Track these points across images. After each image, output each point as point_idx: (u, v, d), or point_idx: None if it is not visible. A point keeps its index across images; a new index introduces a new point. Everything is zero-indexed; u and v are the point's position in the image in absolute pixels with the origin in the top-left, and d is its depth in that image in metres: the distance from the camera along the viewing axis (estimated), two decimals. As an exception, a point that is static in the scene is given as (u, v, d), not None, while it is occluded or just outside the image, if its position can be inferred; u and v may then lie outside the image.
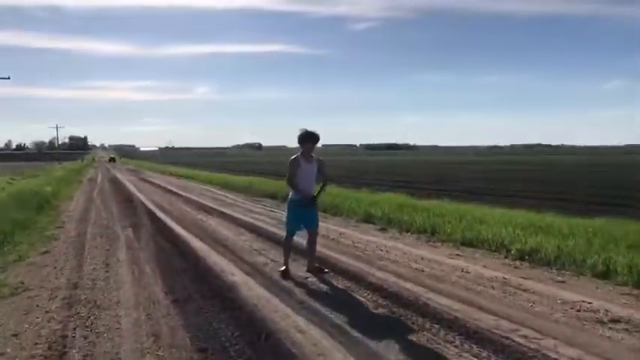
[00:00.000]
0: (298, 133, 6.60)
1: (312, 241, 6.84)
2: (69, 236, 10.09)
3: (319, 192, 6.88)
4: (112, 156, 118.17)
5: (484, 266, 7.16)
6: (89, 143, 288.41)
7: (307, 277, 6.44)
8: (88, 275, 6.81)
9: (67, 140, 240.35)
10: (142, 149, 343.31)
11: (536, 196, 22.15)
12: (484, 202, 16.80)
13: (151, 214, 13.53)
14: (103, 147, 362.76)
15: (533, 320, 4.79)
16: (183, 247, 8.79)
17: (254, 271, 6.86)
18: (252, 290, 5.87)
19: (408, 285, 6.00)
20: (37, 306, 5.45)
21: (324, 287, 6.02)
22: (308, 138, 6.57)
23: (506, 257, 7.79)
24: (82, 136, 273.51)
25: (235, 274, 6.66)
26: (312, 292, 5.81)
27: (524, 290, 5.83)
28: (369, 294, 5.65)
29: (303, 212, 6.66)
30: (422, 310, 5.07)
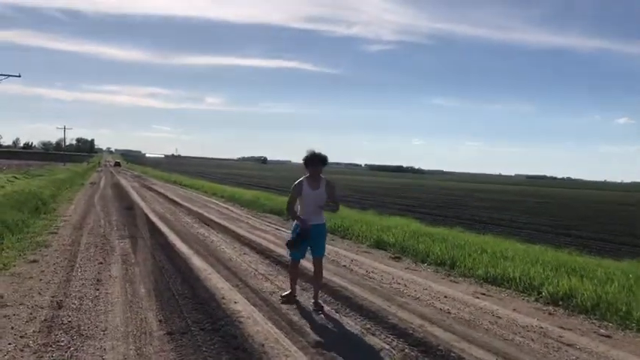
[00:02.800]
0: (305, 154, 5.90)
1: (316, 271, 6.12)
2: (61, 244, 9.41)
3: (332, 209, 6.20)
4: (118, 160, 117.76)
5: (514, 310, 6.43)
6: (96, 146, 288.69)
7: (320, 313, 5.71)
8: (76, 293, 6.10)
9: (74, 142, 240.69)
10: (148, 155, 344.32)
11: (546, 229, 21.51)
12: (493, 232, 16.14)
13: (152, 225, 12.84)
14: (109, 151, 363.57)
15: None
16: (183, 265, 8.08)
17: (260, 300, 6.14)
18: (258, 325, 5.15)
19: (436, 330, 5.26)
20: (12, 328, 4.75)
21: (341, 326, 5.28)
22: (315, 160, 5.86)
23: (537, 300, 7.06)
24: (90, 138, 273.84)
25: (239, 303, 5.94)
26: (328, 333, 5.08)
27: (569, 345, 5.09)
28: (392, 339, 4.92)
29: (309, 237, 5.94)
30: (457, 366, 4.34)
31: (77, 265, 7.63)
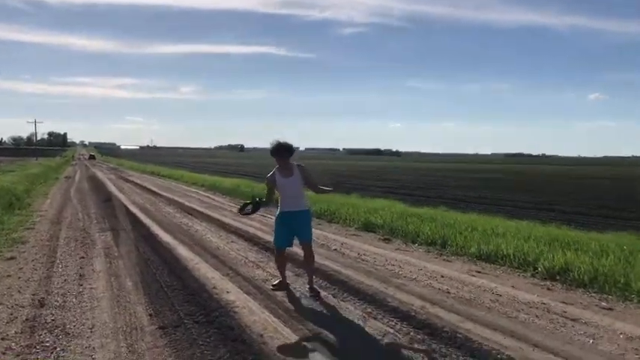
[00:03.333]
0: (270, 144, 5.76)
1: (307, 255, 5.92)
2: (39, 240, 9.02)
3: (321, 191, 6.19)
4: (92, 153, 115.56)
5: (513, 287, 6.31)
6: (69, 140, 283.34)
7: (317, 299, 5.49)
8: (58, 289, 5.79)
9: (45, 136, 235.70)
10: (122, 147, 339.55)
11: (527, 206, 21.66)
12: (477, 210, 16.11)
13: (132, 217, 12.47)
14: (82, 144, 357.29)
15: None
16: (169, 256, 7.79)
17: (253, 288, 5.90)
18: (254, 314, 4.92)
19: (439, 311, 5.10)
20: (-8, 330, 4.45)
21: (342, 312, 5.07)
22: (280, 150, 5.72)
23: (533, 276, 6.96)
24: (62, 132, 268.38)
25: (232, 292, 5.69)
26: (329, 319, 4.88)
27: (574, 320, 4.97)
28: (396, 323, 4.73)
29: (291, 225, 5.76)
30: (467, 347, 4.17)
31: (57, 261, 7.29)
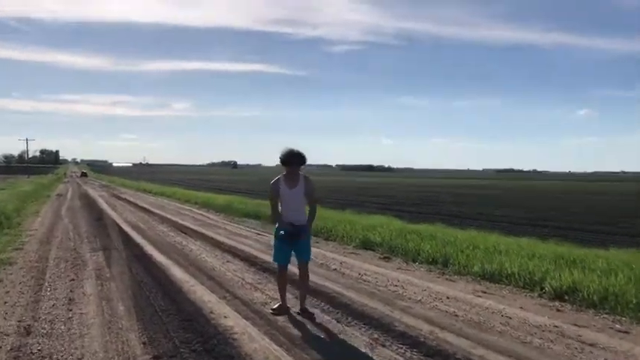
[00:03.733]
0: (281, 152, 5.46)
1: (302, 274, 5.68)
2: (28, 261, 8.70)
3: (309, 221, 5.68)
4: (84, 171, 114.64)
5: (521, 308, 6.08)
6: (61, 157, 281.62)
7: (321, 323, 5.23)
8: (46, 315, 5.49)
9: (37, 154, 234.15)
10: (115, 165, 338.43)
11: (522, 222, 21.53)
12: (473, 226, 15.89)
13: (125, 236, 12.15)
14: (75, 162, 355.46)
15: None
16: (163, 277, 7.50)
17: (252, 312, 5.62)
18: (254, 342, 4.64)
19: (449, 336, 4.85)
20: (-26, 362, 4.15)
21: (347, 339, 4.79)
22: (291, 159, 5.42)
23: (540, 296, 6.73)
24: (54, 149, 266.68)
25: (230, 317, 5.42)
26: (334, 347, 4.60)
27: (591, 345, 4.73)
28: (406, 350, 4.47)
29: (290, 243, 5.52)
30: (482, 377, 3.92)
31: (46, 284, 6.98)
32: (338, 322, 5.28)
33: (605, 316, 5.84)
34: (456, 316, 5.63)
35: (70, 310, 5.68)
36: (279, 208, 5.61)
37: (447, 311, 5.80)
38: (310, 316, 5.38)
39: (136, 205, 23.18)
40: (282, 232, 5.50)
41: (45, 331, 4.93)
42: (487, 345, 4.63)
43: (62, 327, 5.09)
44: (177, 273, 7.77)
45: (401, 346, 4.56)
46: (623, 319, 5.71)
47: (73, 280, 7.28)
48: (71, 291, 6.60)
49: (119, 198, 29.25)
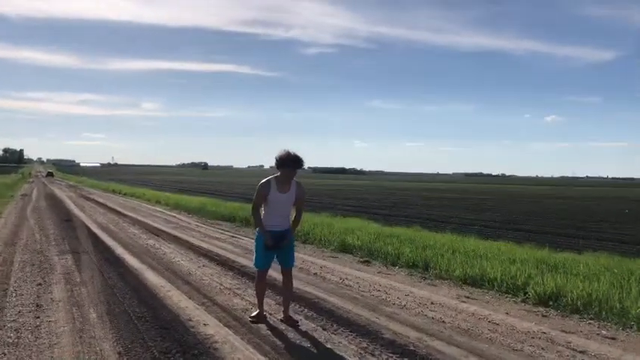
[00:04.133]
0: (278, 154, 5.16)
1: (286, 281, 5.44)
2: (-9, 264, 8.26)
3: (293, 225, 5.46)
4: (50, 171, 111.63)
5: (507, 314, 5.99)
6: (25, 157, 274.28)
7: (306, 331, 5.02)
8: (11, 323, 5.14)
9: (0, 152, 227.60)
10: (82, 165, 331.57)
11: (495, 225, 21.72)
12: (447, 230, 15.85)
13: (95, 238, 11.72)
14: (40, 161, 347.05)
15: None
16: (137, 282, 7.18)
17: (233, 320, 5.38)
18: (237, 352, 4.40)
19: (438, 344, 4.70)
20: None
21: (334, 348, 4.58)
22: (290, 162, 5.13)
23: (524, 302, 6.67)
24: (18, 149, 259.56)
25: (210, 325, 5.16)
26: (322, 357, 4.40)
27: (582, 352, 4.64)
28: (396, 359, 4.30)
29: (276, 245, 5.29)
30: (478, 388, 3.77)
31: (11, 289, 6.60)
32: (324, 329, 5.08)
33: (590, 321, 5.79)
34: (443, 322, 5.49)
35: (38, 318, 5.35)
36: (262, 211, 5.37)
37: (433, 317, 5.67)
38: (294, 324, 5.17)
39: (105, 206, 22.56)
40: (267, 240, 5.22)
41: (10, 341, 4.60)
42: (479, 353, 4.49)
43: (29, 336, 4.76)
44: (152, 277, 7.46)
45: (391, 355, 4.38)
46: (608, 324, 5.67)
47: (40, 284, 6.91)
48: (38, 296, 6.25)
49: (87, 199, 28.48)
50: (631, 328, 5.50)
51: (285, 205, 5.29)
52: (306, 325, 5.20)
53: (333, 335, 4.90)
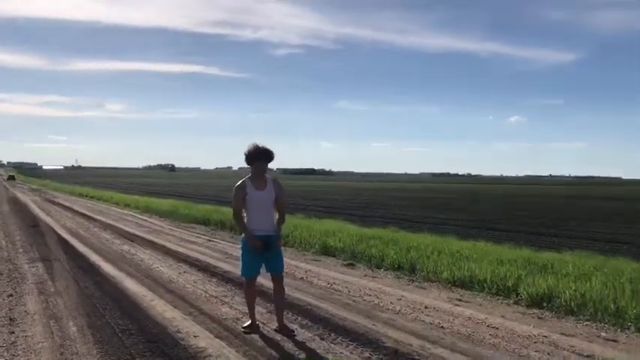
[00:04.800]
0: (247, 148, 4.93)
1: (277, 289, 5.15)
2: (-44, 275, 7.75)
3: (278, 228, 5.17)
4: (12, 174, 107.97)
5: (503, 317, 5.87)
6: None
7: (304, 342, 4.77)
8: (-16, 340, 4.76)
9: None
10: (45, 167, 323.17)
11: (469, 225, 21.89)
12: (424, 230, 15.81)
13: (65, 244, 11.22)
14: (0, 164, 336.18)
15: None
16: (116, 291, 6.82)
17: (224, 330, 5.09)
18: (235, 366, 4.14)
19: (443, 352, 4.52)
20: None
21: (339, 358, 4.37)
22: (259, 156, 4.90)
23: (517, 303, 6.58)
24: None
25: (200, 337, 4.87)
26: (322, 368, 4.17)
27: (588, 357, 4.54)
28: (404, 370, 4.10)
29: (262, 255, 5.02)
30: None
31: (-20, 301, 6.16)
32: (321, 339, 4.84)
33: (587, 323, 5.72)
34: (442, 327, 5.33)
35: (13, 333, 4.96)
36: (245, 217, 5.09)
37: (431, 323, 5.50)
38: (290, 333, 4.92)
39: (73, 211, 21.82)
40: (255, 242, 4.94)
41: (-16, 361, 4.23)
42: (486, 361, 4.34)
43: (5, 354, 4.39)
44: (132, 286, 7.10)
45: (398, 365, 4.18)
46: (606, 326, 5.60)
47: (11, 295, 6.48)
48: (10, 309, 5.84)
49: (53, 203, 27.55)
50: (629, 329, 5.45)
51: (266, 205, 5.01)
52: (302, 334, 4.96)
53: (332, 345, 4.67)
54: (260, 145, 4.92)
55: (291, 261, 9.41)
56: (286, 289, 6.61)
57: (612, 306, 5.90)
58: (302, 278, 7.83)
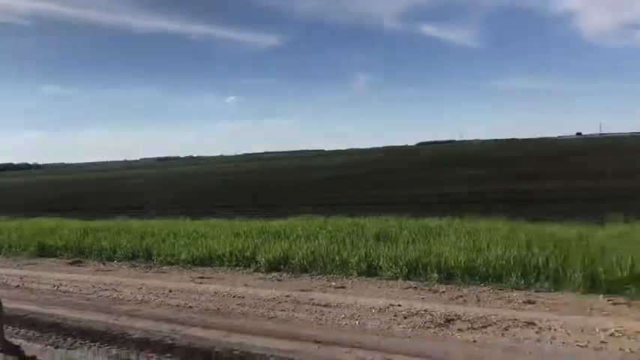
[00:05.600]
0: None
1: None
2: None
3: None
4: None
5: (246, 285, 6.07)
6: None
7: (35, 356, 4.04)
8: None
9: None
10: None
11: (195, 205, 22.09)
12: (150, 216, 15.29)
13: None
14: None
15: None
16: None
17: None
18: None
19: (196, 331, 4.38)
20: None
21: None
22: None
23: (257, 271, 6.87)
24: None
25: None
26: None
27: (326, 306, 4.97)
28: None
29: None
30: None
31: None
32: (56, 347, 4.21)
33: (319, 277, 6.29)
34: (190, 307, 5.20)
35: None
36: None
37: (178, 305, 5.32)
38: (16, 350, 4.14)
39: None
40: None
41: None
42: (239, 330, 4.38)
43: None
44: None
45: (151, 355, 3.88)
46: (334, 276, 6.23)
47: None
48: None
49: None
50: (352, 275, 6.16)
51: None
52: (30, 348, 4.22)
53: (71, 351, 4.10)
54: None
55: (0, 269, 8.03)
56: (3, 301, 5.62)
57: (337, 258, 6.60)
58: (18, 286, 6.75)
